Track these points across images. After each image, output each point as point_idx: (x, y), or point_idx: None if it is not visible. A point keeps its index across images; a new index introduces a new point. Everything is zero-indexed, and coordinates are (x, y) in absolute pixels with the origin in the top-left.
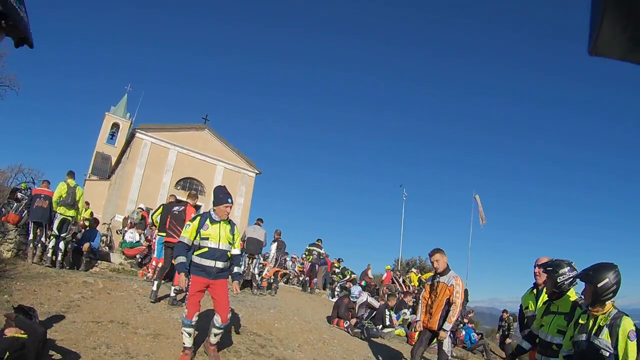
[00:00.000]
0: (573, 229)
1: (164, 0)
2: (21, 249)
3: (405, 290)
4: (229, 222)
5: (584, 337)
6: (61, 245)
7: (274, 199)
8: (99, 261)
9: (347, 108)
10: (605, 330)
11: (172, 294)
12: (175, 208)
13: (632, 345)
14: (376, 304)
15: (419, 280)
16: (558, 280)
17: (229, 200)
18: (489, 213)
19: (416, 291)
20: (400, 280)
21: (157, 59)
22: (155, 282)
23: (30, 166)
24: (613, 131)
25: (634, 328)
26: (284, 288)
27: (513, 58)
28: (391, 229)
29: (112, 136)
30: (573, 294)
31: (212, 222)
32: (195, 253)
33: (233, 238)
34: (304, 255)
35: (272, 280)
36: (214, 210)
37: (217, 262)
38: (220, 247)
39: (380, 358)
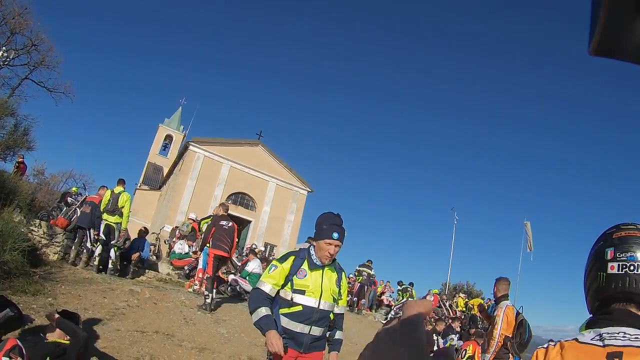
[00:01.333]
0: None
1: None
2: (67, 253)
3: (452, 315)
4: (335, 267)
5: None
6: (112, 252)
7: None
8: (146, 270)
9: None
10: None
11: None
12: (224, 222)
13: None
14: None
15: (466, 305)
16: None
17: (336, 235)
18: (539, 239)
19: (463, 316)
20: (447, 304)
21: (214, 76)
22: (210, 295)
23: (81, 172)
24: None
25: None
26: None
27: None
28: (439, 250)
29: (165, 148)
30: None
31: (312, 267)
32: (282, 311)
33: (339, 292)
34: (352, 276)
35: None
36: (313, 247)
37: (313, 327)
38: (321, 307)
39: None
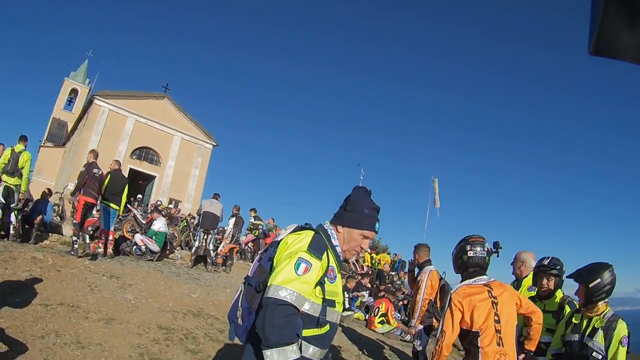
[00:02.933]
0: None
1: None
2: None
3: (360, 271)
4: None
5: (576, 337)
6: (12, 217)
7: (235, 175)
8: (50, 234)
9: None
10: (600, 333)
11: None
12: (95, 170)
13: (623, 351)
14: None
15: (372, 260)
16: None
17: (377, 226)
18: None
19: (370, 272)
20: (353, 260)
21: (122, 30)
22: (78, 240)
23: None
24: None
25: (627, 333)
26: (238, 265)
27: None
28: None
29: (70, 102)
30: (560, 293)
31: (339, 264)
32: (307, 334)
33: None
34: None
35: (227, 257)
36: (335, 234)
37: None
38: (339, 317)
39: (341, 342)
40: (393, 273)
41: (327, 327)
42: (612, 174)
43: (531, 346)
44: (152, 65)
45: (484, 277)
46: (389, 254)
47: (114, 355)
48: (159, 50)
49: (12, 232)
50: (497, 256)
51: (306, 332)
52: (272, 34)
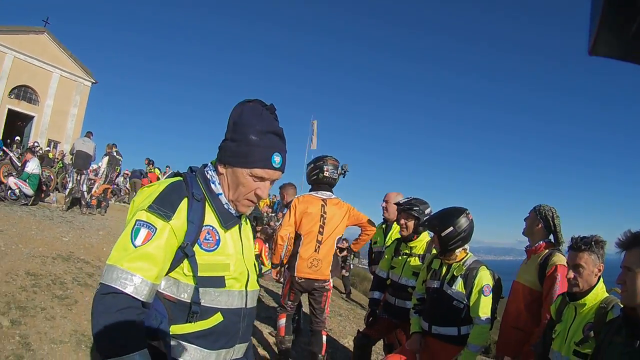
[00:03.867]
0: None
1: None
2: None
3: None
4: (248, 218)
5: (436, 284)
6: None
7: (117, 112)
8: None
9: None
10: (460, 281)
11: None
12: None
13: (486, 300)
14: None
15: None
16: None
17: (278, 160)
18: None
19: None
20: None
21: None
22: None
23: None
24: None
25: (490, 282)
26: (115, 206)
27: None
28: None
29: None
30: (426, 235)
31: (225, 221)
32: (176, 331)
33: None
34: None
35: (101, 198)
36: (217, 178)
37: (237, 345)
38: (249, 303)
39: None
40: (272, 214)
41: (216, 317)
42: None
43: (355, 247)
44: None
45: (328, 193)
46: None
47: None
48: None
49: None
50: (344, 177)
51: (177, 329)
52: None
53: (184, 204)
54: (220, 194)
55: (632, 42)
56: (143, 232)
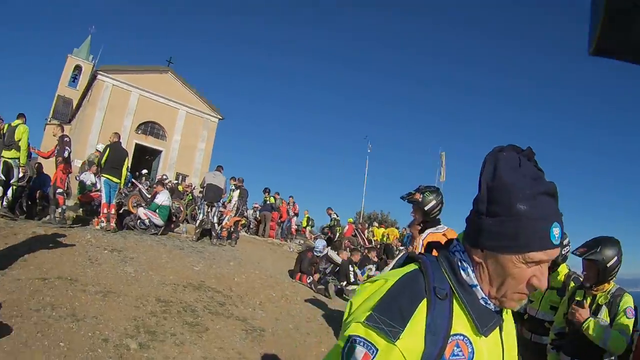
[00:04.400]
0: None
1: None
2: None
3: (367, 245)
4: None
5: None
6: (9, 192)
7: (238, 148)
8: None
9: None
10: (604, 309)
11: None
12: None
13: (628, 321)
14: (338, 259)
15: (383, 234)
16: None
17: (558, 234)
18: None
19: (379, 246)
20: (363, 234)
21: (124, 3)
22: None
23: None
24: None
25: (632, 305)
26: (245, 238)
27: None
28: (352, 179)
29: (74, 79)
30: (564, 268)
31: (483, 324)
32: None
33: None
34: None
35: (232, 230)
36: (471, 265)
37: None
38: None
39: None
40: (402, 248)
41: None
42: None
43: None
44: (157, 37)
45: (442, 226)
46: (397, 228)
47: (109, 327)
48: (164, 22)
49: (4, 203)
50: None
51: None
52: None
53: (421, 310)
54: (475, 285)
55: (632, 43)
56: (359, 352)
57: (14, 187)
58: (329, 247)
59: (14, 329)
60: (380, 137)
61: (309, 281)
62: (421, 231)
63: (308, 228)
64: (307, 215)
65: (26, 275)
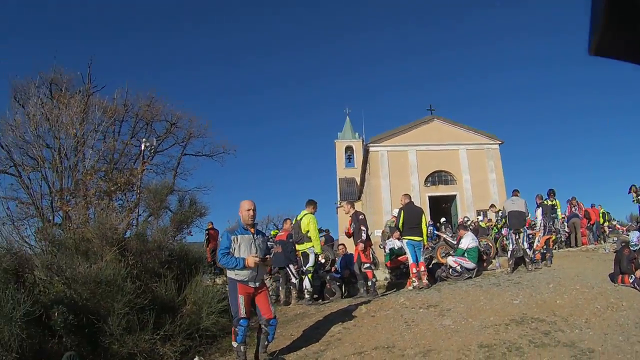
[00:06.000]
0: None
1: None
2: (278, 295)
3: None
4: None
5: None
6: (306, 281)
7: (525, 166)
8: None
9: None
10: None
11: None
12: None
13: None
14: None
15: None
16: None
17: None
18: None
19: None
20: None
21: (368, 75)
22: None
23: (277, 214)
24: None
25: None
26: (559, 254)
27: None
28: None
29: (349, 159)
30: None
31: None
32: None
33: None
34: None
35: (544, 250)
36: None
37: None
38: None
39: None
40: None
41: None
42: None
43: None
44: (413, 91)
45: None
46: None
47: None
48: (415, 77)
49: (306, 296)
50: None
51: None
52: None
53: None
54: None
55: (632, 43)
56: None
57: (309, 275)
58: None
59: None
60: None
61: (631, 281)
62: None
63: (606, 224)
64: (602, 210)
65: (341, 354)
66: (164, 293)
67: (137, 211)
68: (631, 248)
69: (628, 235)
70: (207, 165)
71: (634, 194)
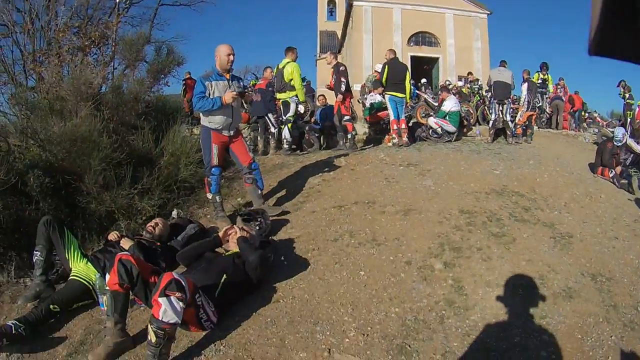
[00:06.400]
0: None
1: None
2: (256, 144)
3: None
4: None
5: None
6: (285, 131)
7: (514, 39)
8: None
9: None
10: None
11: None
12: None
13: None
14: (638, 148)
15: None
16: None
17: None
18: None
19: None
20: None
21: None
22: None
23: (256, 64)
24: None
25: None
26: (540, 133)
27: None
28: None
29: (331, 13)
30: None
31: None
32: None
33: None
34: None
35: (525, 126)
36: None
37: None
38: None
39: None
40: None
41: None
42: None
43: None
44: None
45: None
46: None
47: (412, 248)
48: None
49: (285, 146)
50: None
51: None
52: None
53: None
54: None
55: (632, 43)
56: None
57: (288, 125)
58: (628, 135)
59: (311, 262)
60: None
61: (611, 175)
62: None
63: (584, 113)
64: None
65: (321, 206)
66: (141, 145)
67: (112, 64)
68: (615, 143)
69: (609, 129)
70: (186, 14)
71: (622, 89)
